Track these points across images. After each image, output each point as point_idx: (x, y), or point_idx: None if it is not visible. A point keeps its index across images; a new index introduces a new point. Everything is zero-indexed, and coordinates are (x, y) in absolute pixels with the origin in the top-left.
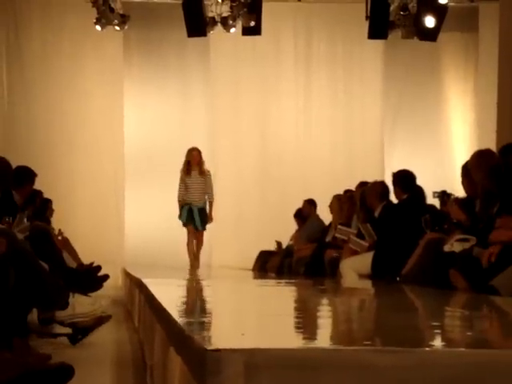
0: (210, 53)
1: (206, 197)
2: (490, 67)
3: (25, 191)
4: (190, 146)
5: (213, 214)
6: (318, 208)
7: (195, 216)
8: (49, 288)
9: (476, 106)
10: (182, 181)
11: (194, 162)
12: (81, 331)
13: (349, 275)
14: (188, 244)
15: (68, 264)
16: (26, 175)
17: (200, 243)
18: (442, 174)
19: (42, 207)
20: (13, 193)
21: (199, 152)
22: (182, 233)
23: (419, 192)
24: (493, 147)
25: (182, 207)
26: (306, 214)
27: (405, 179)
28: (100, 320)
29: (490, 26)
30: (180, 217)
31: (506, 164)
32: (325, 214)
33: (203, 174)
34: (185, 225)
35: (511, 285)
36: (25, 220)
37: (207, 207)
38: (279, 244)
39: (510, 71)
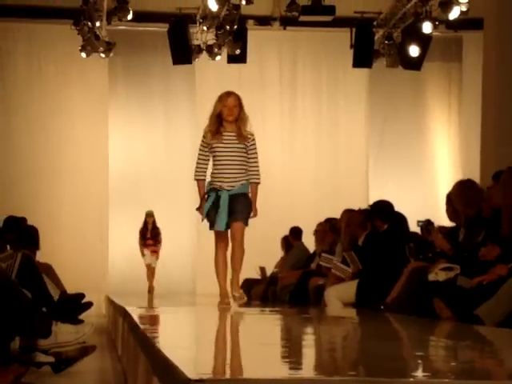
0: (195, 80)
1: (247, 176)
2: (473, 96)
3: None
4: (175, 172)
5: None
6: (304, 236)
7: (222, 207)
8: (31, 316)
9: (460, 135)
10: (206, 147)
11: (229, 115)
12: (64, 362)
13: (333, 303)
14: (216, 261)
15: (51, 291)
16: None
17: (237, 250)
18: (426, 201)
19: (26, 234)
20: None
21: (239, 100)
22: (167, 260)
23: (400, 219)
24: (477, 175)
25: (205, 196)
26: (291, 241)
27: (383, 210)
28: (85, 350)
29: (473, 56)
30: (200, 210)
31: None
32: (310, 242)
33: (243, 137)
34: (211, 227)
35: (495, 314)
36: (8, 247)
37: (249, 192)
38: (263, 269)
39: (493, 100)
